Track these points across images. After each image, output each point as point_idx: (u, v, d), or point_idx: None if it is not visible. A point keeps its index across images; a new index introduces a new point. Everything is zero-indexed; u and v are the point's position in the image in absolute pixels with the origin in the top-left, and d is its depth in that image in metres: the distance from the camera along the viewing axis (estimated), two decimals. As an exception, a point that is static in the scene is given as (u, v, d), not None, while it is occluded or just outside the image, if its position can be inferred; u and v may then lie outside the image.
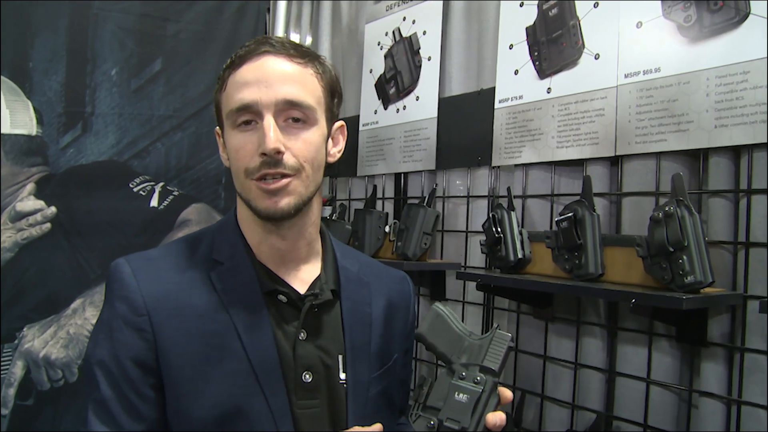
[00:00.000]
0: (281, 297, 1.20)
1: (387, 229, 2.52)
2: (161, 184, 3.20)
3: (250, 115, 1.13)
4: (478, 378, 1.10)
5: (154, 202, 3.21)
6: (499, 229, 1.95)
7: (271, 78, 1.13)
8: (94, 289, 2.58)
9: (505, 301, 2.23)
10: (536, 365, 2.12)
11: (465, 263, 2.39)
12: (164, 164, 3.20)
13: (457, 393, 1.09)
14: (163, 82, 3.09)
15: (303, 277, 1.24)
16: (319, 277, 1.25)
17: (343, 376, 1.19)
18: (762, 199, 1.61)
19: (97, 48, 2.61)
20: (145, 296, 1.15)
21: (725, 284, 1.66)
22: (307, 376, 1.18)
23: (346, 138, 1.30)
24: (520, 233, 1.96)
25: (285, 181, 1.13)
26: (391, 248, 2.44)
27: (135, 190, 3.17)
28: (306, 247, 1.25)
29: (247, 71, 1.14)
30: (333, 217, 2.74)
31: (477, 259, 2.35)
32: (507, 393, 1.12)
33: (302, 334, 1.19)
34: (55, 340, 2.55)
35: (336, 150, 1.27)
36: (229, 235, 1.24)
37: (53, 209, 2.63)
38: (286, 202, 1.14)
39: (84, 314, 2.58)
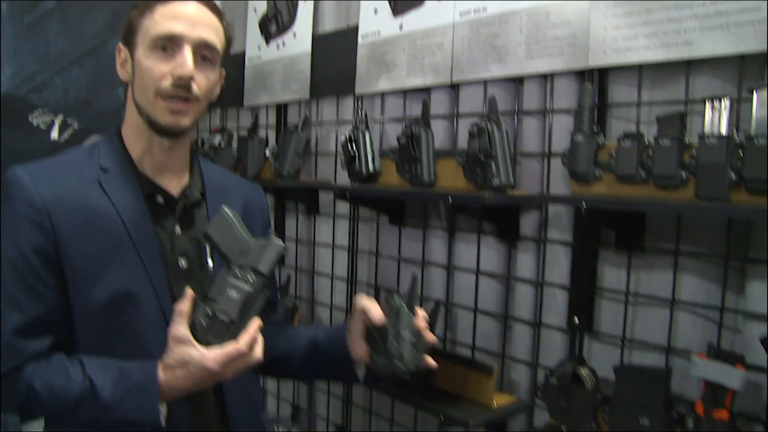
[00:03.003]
0: (159, 199, 1.46)
1: (267, 153, 2.79)
2: (60, 117, 3.37)
3: (171, 44, 1.35)
4: (250, 278, 1.27)
5: (54, 134, 3.37)
6: (353, 147, 2.26)
7: (197, 20, 1.38)
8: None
9: (366, 211, 2.56)
10: (392, 266, 2.47)
11: (335, 181, 2.70)
12: (63, 99, 3.35)
13: (230, 289, 1.26)
14: (58, 19, 3.21)
15: (176, 185, 1.48)
16: (189, 184, 1.50)
17: (210, 263, 1.45)
18: (561, 117, 1.95)
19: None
20: (43, 196, 1.34)
21: (534, 188, 2.02)
22: (183, 262, 1.44)
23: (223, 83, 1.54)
24: (372, 150, 2.28)
25: (188, 104, 1.38)
26: (270, 170, 2.72)
27: (34, 123, 3.32)
28: (180, 161, 1.50)
29: (179, 7, 1.37)
30: (221, 145, 2.99)
31: (346, 176, 2.66)
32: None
33: (177, 228, 1.45)
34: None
35: (218, 90, 1.51)
36: (114, 146, 1.47)
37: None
38: (184, 121, 1.39)
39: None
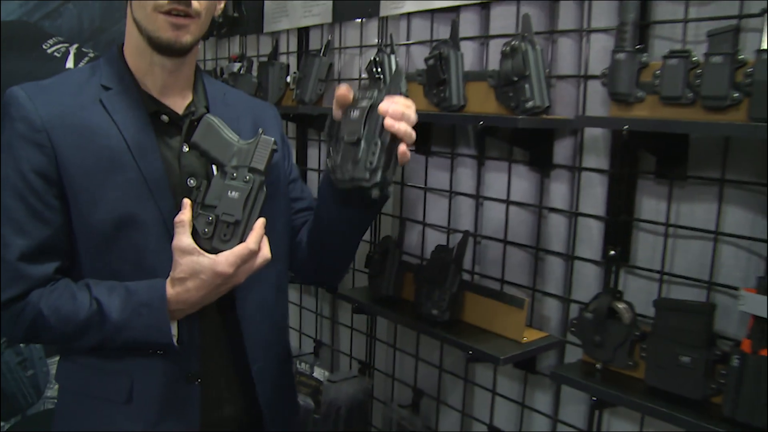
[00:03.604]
0: (164, 117, 1.40)
1: (288, 79, 2.68)
2: (75, 45, 3.27)
3: None
4: (247, 177, 1.26)
5: (69, 64, 3.29)
6: (379, 70, 2.14)
7: None
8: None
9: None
10: (418, 195, 2.37)
11: (358, 108, 2.58)
12: (77, 26, 3.25)
13: (229, 191, 1.25)
14: (69, -59, 3.10)
15: (181, 104, 1.43)
16: (192, 101, 1.44)
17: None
18: (599, 37, 1.81)
19: None
20: (42, 116, 1.30)
21: (569, 113, 1.89)
22: (192, 181, 1.39)
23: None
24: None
25: (188, 20, 1.31)
26: (291, 96, 2.62)
27: (49, 51, 3.23)
28: (184, 81, 1.44)
29: None
30: (241, 72, 2.88)
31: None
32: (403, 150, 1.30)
33: (185, 146, 1.40)
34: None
35: (220, 8, 1.44)
36: (116, 65, 1.41)
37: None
38: (186, 38, 1.33)
39: None
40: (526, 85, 1.74)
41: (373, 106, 1.26)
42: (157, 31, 1.31)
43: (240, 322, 1.44)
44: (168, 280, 1.28)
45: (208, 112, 1.45)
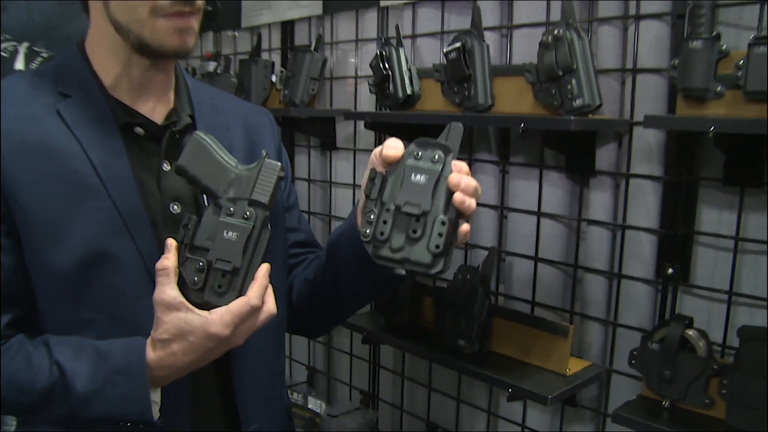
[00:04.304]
0: (138, 130, 1.13)
1: (273, 78, 2.40)
2: (26, 44, 2.94)
3: None
4: (248, 213, 1.00)
5: (19, 65, 2.95)
6: (386, 66, 1.88)
7: None
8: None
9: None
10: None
11: (355, 110, 2.31)
12: (28, 22, 2.92)
13: (225, 231, 1.00)
14: (17, -71, 2.79)
15: (159, 111, 1.17)
16: (174, 107, 1.17)
17: (206, 203, 1.13)
18: (650, 24, 1.58)
19: None
20: None
21: (613, 112, 1.66)
22: (175, 207, 1.13)
23: None
24: (409, 69, 1.90)
25: (193, 18, 1.07)
26: (278, 98, 2.33)
27: (-5, 51, 2.90)
28: (164, 81, 1.17)
29: None
30: (218, 71, 2.59)
31: (367, 105, 2.28)
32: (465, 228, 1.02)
33: (165, 164, 1.13)
34: None
35: None
36: (76, 67, 1.13)
37: None
38: (191, 41, 1.08)
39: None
40: (573, 81, 1.50)
41: (443, 176, 0.99)
42: (159, 39, 1.05)
43: (233, 378, 1.19)
44: (149, 341, 1.02)
45: (193, 120, 1.18)
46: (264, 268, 1.01)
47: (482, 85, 1.69)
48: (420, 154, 1.00)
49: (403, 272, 1.16)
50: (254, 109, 1.38)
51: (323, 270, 1.27)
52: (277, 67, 2.47)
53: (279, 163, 1.03)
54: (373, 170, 1.03)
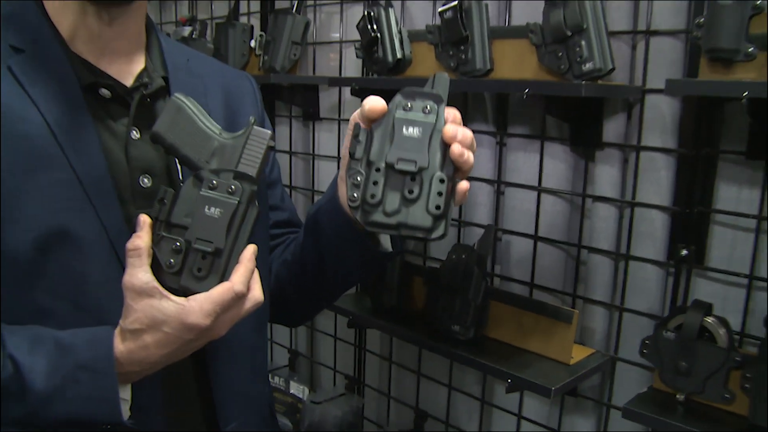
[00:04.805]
0: (104, 91, 0.99)
1: (252, 43, 2.24)
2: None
3: None
4: (233, 187, 0.89)
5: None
6: (374, 27, 1.72)
7: None
8: None
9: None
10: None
11: (340, 76, 2.15)
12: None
13: (207, 207, 0.88)
14: None
15: (127, 70, 1.02)
16: (145, 68, 1.03)
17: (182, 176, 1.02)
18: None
19: None
20: None
21: (623, 79, 1.52)
22: (146, 180, 0.99)
23: None
24: (399, 31, 1.74)
25: None
26: (257, 64, 2.17)
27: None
28: (132, 37, 1.03)
29: None
30: (193, 36, 2.42)
31: (354, 71, 2.12)
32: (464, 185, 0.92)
33: (135, 132, 0.99)
34: None
35: None
36: (29, 18, 0.98)
37: None
38: None
39: None
40: (583, 42, 1.36)
41: (437, 129, 0.87)
42: None
43: (209, 372, 1.07)
44: (117, 332, 0.89)
45: (167, 84, 1.04)
46: (250, 250, 0.89)
47: (480, 47, 1.54)
48: (409, 105, 0.89)
49: (391, 249, 1.07)
50: (235, 74, 1.25)
51: (302, 250, 1.16)
52: (257, 32, 2.31)
53: (269, 131, 0.91)
54: (357, 126, 0.92)
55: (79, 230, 0.93)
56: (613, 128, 1.56)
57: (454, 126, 0.89)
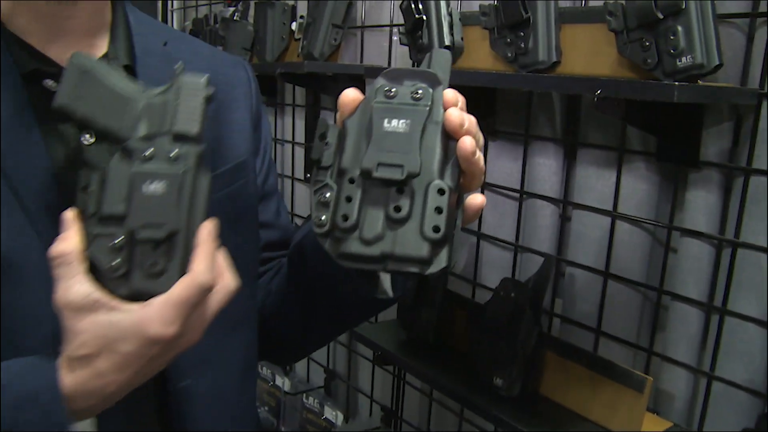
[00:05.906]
0: (49, 82, 0.79)
1: (293, 26, 1.98)
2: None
3: None
4: (173, 152, 0.70)
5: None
6: (420, 8, 1.43)
7: None
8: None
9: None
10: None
11: (388, 65, 1.87)
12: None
13: (144, 183, 0.69)
14: None
15: None
16: (106, 54, 0.84)
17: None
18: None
19: None
20: None
21: (733, 79, 1.18)
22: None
23: None
24: (449, 14, 1.44)
25: None
26: (297, 49, 1.91)
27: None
28: (91, 14, 0.84)
29: None
30: (235, 17, 2.20)
31: (406, 60, 1.84)
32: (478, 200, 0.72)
33: (88, 135, 0.78)
34: None
35: None
36: None
37: None
38: None
39: None
40: (680, 28, 1.03)
41: (434, 120, 0.65)
42: None
43: (171, 394, 0.87)
44: (63, 361, 0.70)
45: (133, 73, 0.85)
46: (207, 228, 0.70)
47: (544, 33, 1.23)
48: (393, 90, 0.67)
49: (390, 294, 0.85)
50: (228, 61, 1.04)
51: (287, 282, 0.98)
52: (300, 12, 2.05)
53: (203, 76, 0.72)
54: (322, 122, 0.70)
55: (18, 258, 0.76)
56: (714, 143, 1.23)
57: (458, 111, 0.66)
